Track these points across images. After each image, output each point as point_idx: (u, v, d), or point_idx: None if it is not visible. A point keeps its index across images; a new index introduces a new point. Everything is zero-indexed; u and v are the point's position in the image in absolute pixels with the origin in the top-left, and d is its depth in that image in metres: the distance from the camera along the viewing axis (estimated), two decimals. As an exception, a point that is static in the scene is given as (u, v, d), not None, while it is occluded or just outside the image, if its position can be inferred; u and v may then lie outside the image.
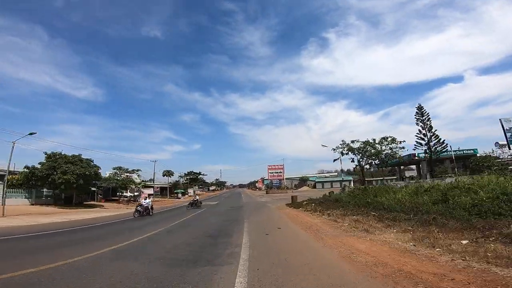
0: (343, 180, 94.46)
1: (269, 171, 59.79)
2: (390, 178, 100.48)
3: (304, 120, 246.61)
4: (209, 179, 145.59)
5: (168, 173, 52.31)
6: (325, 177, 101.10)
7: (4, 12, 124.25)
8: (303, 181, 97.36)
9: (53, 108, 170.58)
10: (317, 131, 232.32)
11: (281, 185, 60.97)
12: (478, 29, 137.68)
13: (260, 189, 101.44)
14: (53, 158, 26.13)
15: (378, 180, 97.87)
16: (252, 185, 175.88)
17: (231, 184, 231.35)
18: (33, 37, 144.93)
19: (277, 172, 59.89)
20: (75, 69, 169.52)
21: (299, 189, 78.62)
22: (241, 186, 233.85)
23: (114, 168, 40.39)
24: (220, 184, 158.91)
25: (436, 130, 37.07)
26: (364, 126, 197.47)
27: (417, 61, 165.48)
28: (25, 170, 26.73)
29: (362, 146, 36.74)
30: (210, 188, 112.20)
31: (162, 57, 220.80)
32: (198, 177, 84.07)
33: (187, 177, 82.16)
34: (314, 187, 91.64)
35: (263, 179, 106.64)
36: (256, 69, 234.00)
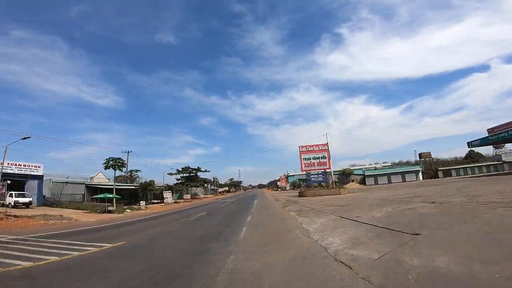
0: (406, 172, 66.83)
1: (303, 156, 34.19)
2: (470, 165, 70.58)
3: (323, 117, 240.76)
4: (224, 179, 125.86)
5: (116, 163, 28.01)
6: (377, 169, 73.28)
7: (24, 24, 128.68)
8: (344, 175, 70.31)
9: (78, 117, 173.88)
10: (337, 127, 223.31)
11: (326, 180, 34.65)
12: (498, 17, 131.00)
13: (283, 189, 76.15)
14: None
15: (454, 169, 68.94)
16: (272, 184, 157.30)
17: (250, 185, 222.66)
18: (54, 49, 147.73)
19: (318, 157, 34.20)
20: (95, 78, 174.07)
21: (345, 186, 52.28)
22: (260, 186, 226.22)
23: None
24: (234, 185, 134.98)
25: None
26: (387, 121, 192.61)
27: (438, 52, 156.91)
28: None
29: None
30: (219, 190, 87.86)
31: (178, 63, 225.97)
32: (197, 174, 59.81)
33: (182, 175, 58.26)
34: (363, 182, 64.63)
35: (286, 176, 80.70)
36: (271, 68, 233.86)
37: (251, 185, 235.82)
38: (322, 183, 35.23)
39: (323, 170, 34.81)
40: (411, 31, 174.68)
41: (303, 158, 35.08)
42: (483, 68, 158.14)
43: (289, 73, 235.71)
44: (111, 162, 29.56)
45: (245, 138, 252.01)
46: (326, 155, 35.29)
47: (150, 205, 33.41)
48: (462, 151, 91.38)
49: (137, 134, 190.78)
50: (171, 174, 57.44)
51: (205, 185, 62.26)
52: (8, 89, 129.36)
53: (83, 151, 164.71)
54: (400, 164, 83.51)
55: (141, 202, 31.78)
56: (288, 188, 74.84)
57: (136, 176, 71.85)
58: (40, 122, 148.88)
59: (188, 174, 58.92)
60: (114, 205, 27.47)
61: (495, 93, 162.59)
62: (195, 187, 59.47)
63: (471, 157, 76.37)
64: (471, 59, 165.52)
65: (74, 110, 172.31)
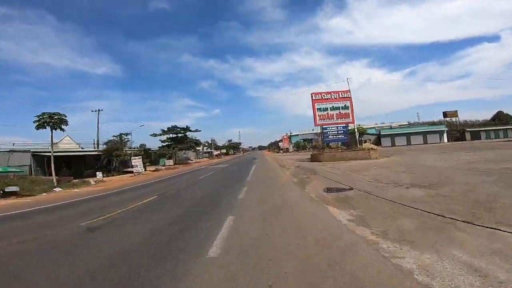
0: (428, 133, 57.92)
1: (317, 106, 24.88)
2: (502, 128, 61.00)
3: (324, 80, 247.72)
4: (220, 140, 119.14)
5: (52, 119, 18.95)
6: (392, 128, 64.32)
7: (9, 1, 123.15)
8: (354, 134, 61.65)
9: (76, 87, 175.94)
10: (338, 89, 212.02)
11: (347, 140, 25.76)
12: None
13: (286, 150, 68.31)
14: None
15: (484, 131, 59.83)
16: (273, 146, 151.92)
17: (249, 147, 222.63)
18: (43, 24, 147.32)
19: (338, 108, 24.87)
20: (90, 50, 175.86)
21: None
22: (260, 148, 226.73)
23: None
24: (233, 147, 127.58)
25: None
26: (389, 84, 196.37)
27: (448, 21, 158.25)
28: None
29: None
30: (215, 153, 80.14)
31: (175, 29, 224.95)
32: (186, 134, 51.00)
33: (168, 136, 49.53)
34: (378, 143, 56.21)
35: (289, 136, 72.14)
36: (271, 32, 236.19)
37: (251, 146, 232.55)
38: (342, 143, 26.52)
39: (344, 125, 25.74)
40: None
41: (318, 109, 25.77)
42: (493, 38, 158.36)
43: (290, 36, 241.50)
44: (45, 118, 20.30)
45: (245, 101, 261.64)
46: (348, 104, 25.92)
47: (114, 177, 25.14)
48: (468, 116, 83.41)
49: (137, 100, 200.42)
50: (154, 135, 48.65)
51: (197, 147, 53.77)
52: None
53: (82, 118, 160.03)
54: (415, 124, 73.87)
55: (97, 173, 23.40)
56: (291, 149, 66.94)
57: (126, 140, 63.23)
58: (40, 95, 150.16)
59: (175, 135, 50.11)
60: (54, 178, 19.13)
61: (503, 62, 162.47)
62: (185, 150, 51.08)
63: (499, 118, 66.68)
64: (481, 29, 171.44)
65: (71, 81, 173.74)
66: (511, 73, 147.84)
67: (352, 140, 27.54)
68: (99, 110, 43.08)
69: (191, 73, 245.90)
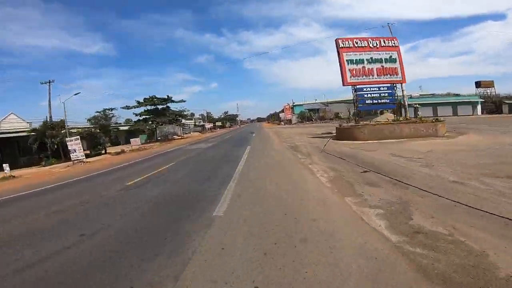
0: (459, 104, 48.45)
1: (348, 58, 15.63)
2: None
3: (322, 52, 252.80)
4: (217, 114, 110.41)
5: None
6: (412, 97, 54.55)
7: None
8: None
9: (69, 66, 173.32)
10: (337, 62, 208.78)
11: (394, 106, 16.80)
12: None
13: (288, 122, 59.33)
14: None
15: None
16: (273, 117, 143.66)
17: (248, 119, 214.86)
18: (28, 5, 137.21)
19: (380, 60, 15.80)
20: (81, 29, 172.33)
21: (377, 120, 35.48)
22: (259, 120, 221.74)
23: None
24: (229, 119, 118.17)
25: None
26: None
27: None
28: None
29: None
30: (207, 126, 71.00)
31: (167, 4, 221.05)
32: (168, 106, 41.70)
33: (146, 108, 40.25)
34: (397, 112, 47.15)
35: (292, 106, 62.56)
36: (268, 4, 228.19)
37: (249, 118, 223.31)
38: (388, 111, 17.88)
39: (389, 84, 16.73)
40: None
41: (348, 61, 16.54)
42: (499, 16, 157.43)
43: (288, 8, 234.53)
44: None
45: (242, 73, 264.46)
46: (396, 56, 16.71)
47: (31, 170, 16.55)
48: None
49: (132, 76, 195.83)
50: (127, 107, 39.24)
51: (181, 120, 44.63)
52: None
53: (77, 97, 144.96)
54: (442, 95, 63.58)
55: (4, 165, 14.84)
56: (294, 121, 58.04)
57: (112, 115, 53.63)
58: (33, 75, 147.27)
59: (153, 107, 40.75)
60: None
61: (508, 41, 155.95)
62: (166, 124, 42.06)
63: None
64: (487, 7, 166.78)
65: (63, 61, 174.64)
66: None
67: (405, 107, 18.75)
68: (50, 82, 33.62)
69: (187, 48, 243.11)
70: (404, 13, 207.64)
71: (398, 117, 17.36)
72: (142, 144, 38.08)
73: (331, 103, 57.88)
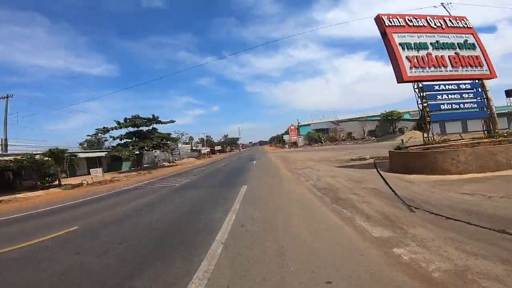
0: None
1: (401, 41, 9.84)
2: None
3: (322, 73, 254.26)
4: (219, 137, 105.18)
5: None
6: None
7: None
8: (387, 122, 46.01)
9: (72, 88, 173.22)
10: (336, 82, 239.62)
11: (486, 113, 10.09)
12: None
13: (294, 144, 52.85)
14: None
15: None
16: (275, 140, 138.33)
17: (249, 142, 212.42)
18: (35, 25, 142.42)
19: (451, 45, 9.94)
20: (85, 49, 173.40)
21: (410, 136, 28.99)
22: (262, 143, 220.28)
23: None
24: (230, 143, 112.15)
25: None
26: (387, 76, 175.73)
27: (444, 11, 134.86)
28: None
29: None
30: (203, 151, 64.38)
31: (169, 27, 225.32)
32: (152, 128, 35.64)
33: (128, 129, 34.09)
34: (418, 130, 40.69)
35: (297, 126, 56.36)
36: (267, 26, 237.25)
37: (251, 142, 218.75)
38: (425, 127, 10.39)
39: (471, 80, 10.22)
40: None
41: (402, 45, 10.18)
42: (490, 29, 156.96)
43: (287, 30, 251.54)
44: None
45: (243, 96, 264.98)
46: (473, 40, 10.39)
47: None
48: None
49: (135, 98, 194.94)
50: (104, 130, 33.03)
51: (169, 144, 38.11)
52: None
53: (79, 120, 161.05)
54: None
55: None
56: (301, 143, 51.53)
57: (104, 139, 47.72)
58: (37, 96, 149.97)
59: (135, 129, 34.58)
60: None
61: (501, 53, 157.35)
62: (153, 148, 35.63)
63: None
64: (477, 20, 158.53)
65: (67, 82, 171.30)
66: (509, 63, 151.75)
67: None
68: (7, 96, 28.21)
69: (188, 70, 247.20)
70: None
71: (429, 135, 10.58)
72: (128, 171, 31.70)
73: (341, 121, 51.77)
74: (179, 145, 79.52)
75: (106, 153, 33.50)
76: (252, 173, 14.53)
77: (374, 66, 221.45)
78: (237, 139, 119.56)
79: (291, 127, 53.71)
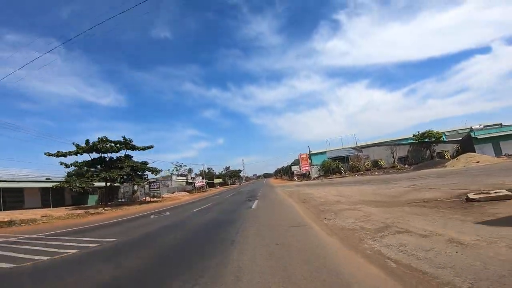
0: None
1: None
2: None
3: (325, 104, 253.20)
4: (218, 169, 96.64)
5: None
6: (475, 129, 39.21)
7: (18, 28, 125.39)
8: (421, 145, 36.95)
9: (83, 117, 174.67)
10: (340, 113, 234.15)
11: None
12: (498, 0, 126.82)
13: (305, 176, 43.40)
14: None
15: None
16: (281, 172, 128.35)
17: (254, 175, 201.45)
18: (52, 51, 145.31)
19: None
20: (96, 78, 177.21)
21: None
22: (266, 176, 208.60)
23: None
24: (232, 176, 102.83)
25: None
26: (390, 104, 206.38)
27: (439, 35, 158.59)
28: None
29: None
30: (197, 184, 54.85)
31: (176, 57, 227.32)
32: (126, 155, 27.28)
33: (89, 152, 25.75)
34: (465, 152, 30.88)
35: (309, 154, 47.33)
36: (270, 58, 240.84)
37: (255, 174, 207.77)
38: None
39: None
40: (411, 15, 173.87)
41: None
42: (485, 50, 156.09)
43: (289, 61, 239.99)
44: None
45: (248, 128, 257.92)
46: None
47: None
48: None
49: (141, 130, 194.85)
50: (58, 154, 24.72)
51: (145, 176, 29.21)
52: (9, 93, 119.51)
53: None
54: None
55: None
56: (315, 174, 42.17)
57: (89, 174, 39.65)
58: (47, 124, 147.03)
59: (98, 156, 26.26)
60: None
61: (498, 74, 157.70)
62: (120, 179, 26.89)
63: None
64: (472, 41, 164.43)
65: (78, 111, 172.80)
66: (507, 84, 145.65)
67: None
68: None
69: (194, 102, 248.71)
70: (398, 56, 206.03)
71: None
72: (94, 207, 22.90)
73: (365, 147, 42.74)
74: (173, 177, 70.90)
75: (54, 184, 24.85)
76: (241, 237, 5.62)
77: (376, 94, 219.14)
78: (239, 171, 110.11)
79: (302, 156, 44.57)
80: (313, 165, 44.67)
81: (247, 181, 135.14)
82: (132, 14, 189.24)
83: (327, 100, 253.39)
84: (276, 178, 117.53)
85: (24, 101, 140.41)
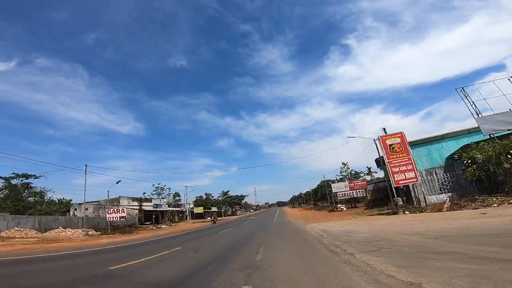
0: None
1: None
2: None
3: (339, 131, 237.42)
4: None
5: None
6: None
7: (46, 52, 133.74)
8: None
9: (102, 145, 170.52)
10: (355, 141, 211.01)
11: None
12: (504, 15, 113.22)
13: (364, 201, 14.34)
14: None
15: None
16: (300, 200, 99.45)
17: (266, 203, 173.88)
18: (76, 77, 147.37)
19: None
20: (116, 106, 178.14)
21: None
22: (280, 204, 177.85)
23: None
24: (231, 203, 73.26)
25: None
26: (407, 129, 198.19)
27: (449, 55, 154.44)
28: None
29: None
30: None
31: (191, 86, 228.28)
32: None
33: None
34: None
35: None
36: (281, 85, 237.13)
37: (267, 203, 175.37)
38: None
39: None
40: (419, 35, 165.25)
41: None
42: (499, 67, 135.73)
43: (301, 88, 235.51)
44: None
45: (261, 158, 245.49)
46: None
47: None
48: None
49: (157, 159, 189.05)
50: None
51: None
52: (34, 118, 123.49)
53: (104, 179, 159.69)
54: None
55: None
56: (420, 192, 13.79)
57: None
58: (67, 151, 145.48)
59: None
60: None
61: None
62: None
63: None
64: (485, 59, 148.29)
65: (97, 138, 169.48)
66: None
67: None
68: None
69: (208, 131, 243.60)
70: (411, 79, 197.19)
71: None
72: None
73: None
74: (124, 201, 43.26)
75: None
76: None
77: (392, 119, 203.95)
78: (243, 197, 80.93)
79: (391, 139, 15.84)
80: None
81: (256, 210, 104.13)
82: (151, 42, 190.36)
83: (341, 127, 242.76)
84: (293, 207, 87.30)
85: (47, 126, 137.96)
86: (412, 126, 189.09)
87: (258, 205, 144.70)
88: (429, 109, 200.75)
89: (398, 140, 15.10)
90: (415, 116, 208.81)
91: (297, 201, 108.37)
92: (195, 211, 49.54)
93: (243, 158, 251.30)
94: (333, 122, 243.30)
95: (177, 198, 63.34)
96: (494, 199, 11.31)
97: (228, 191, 74.14)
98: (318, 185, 65.61)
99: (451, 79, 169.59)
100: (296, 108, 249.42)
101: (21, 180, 25.54)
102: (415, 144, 16.61)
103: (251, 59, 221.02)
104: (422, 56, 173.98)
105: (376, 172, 42.50)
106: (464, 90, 15.54)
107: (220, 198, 72.04)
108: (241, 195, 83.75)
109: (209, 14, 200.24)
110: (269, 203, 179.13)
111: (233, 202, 75.84)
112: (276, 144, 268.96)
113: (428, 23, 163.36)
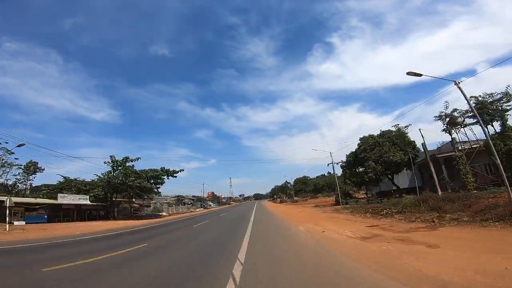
0: None
1: None
2: None
3: (317, 127, 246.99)
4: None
5: None
6: None
7: (18, 36, 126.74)
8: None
9: (73, 132, 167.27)
10: (331, 137, 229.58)
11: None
12: (484, 21, 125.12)
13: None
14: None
15: None
16: (281, 192, 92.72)
17: (240, 195, 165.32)
18: (49, 61, 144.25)
19: None
20: (91, 92, 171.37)
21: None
22: (258, 197, 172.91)
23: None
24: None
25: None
26: (381, 128, 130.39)
27: (427, 58, 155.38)
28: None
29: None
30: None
31: (173, 76, 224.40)
32: None
33: None
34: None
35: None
36: (265, 79, 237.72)
37: (242, 195, 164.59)
38: None
39: None
40: (401, 38, 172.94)
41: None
42: (470, 72, 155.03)
43: (283, 83, 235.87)
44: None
45: (240, 150, 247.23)
46: None
47: None
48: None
49: (133, 148, 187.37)
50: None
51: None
52: (1, 103, 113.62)
53: (75, 166, 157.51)
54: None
55: None
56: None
57: None
58: (36, 137, 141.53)
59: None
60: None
61: (478, 96, 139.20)
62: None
63: None
64: (459, 63, 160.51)
65: (69, 125, 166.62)
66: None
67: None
68: None
69: (187, 122, 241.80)
70: (389, 79, 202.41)
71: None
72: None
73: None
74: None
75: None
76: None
77: (367, 118, 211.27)
78: (174, 172, 35.36)
79: None
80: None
81: (224, 205, 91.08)
82: (133, 29, 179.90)
83: (319, 124, 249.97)
84: (274, 202, 77.70)
85: (15, 112, 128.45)
86: (386, 126, 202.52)
87: (230, 198, 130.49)
88: (402, 109, 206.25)
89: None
90: (389, 116, 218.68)
91: (277, 194, 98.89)
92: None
93: (222, 150, 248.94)
94: (312, 118, 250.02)
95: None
96: None
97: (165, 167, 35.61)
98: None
99: (427, 81, 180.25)
100: (277, 102, 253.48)
101: None
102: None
103: (236, 51, 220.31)
104: (402, 58, 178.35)
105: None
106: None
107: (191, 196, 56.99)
108: (178, 169, 36.30)
109: (197, 3, 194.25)
110: (244, 196, 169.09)
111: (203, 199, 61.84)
112: (256, 137, 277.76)
113: (411, 26, 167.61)
